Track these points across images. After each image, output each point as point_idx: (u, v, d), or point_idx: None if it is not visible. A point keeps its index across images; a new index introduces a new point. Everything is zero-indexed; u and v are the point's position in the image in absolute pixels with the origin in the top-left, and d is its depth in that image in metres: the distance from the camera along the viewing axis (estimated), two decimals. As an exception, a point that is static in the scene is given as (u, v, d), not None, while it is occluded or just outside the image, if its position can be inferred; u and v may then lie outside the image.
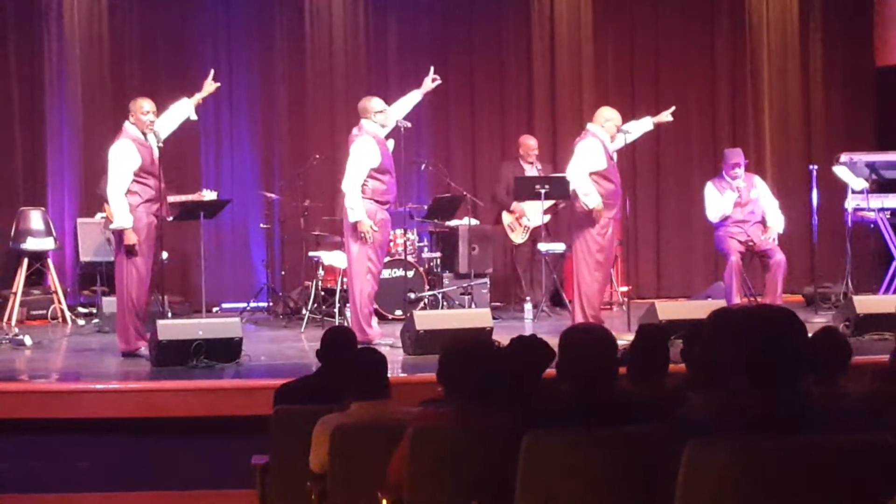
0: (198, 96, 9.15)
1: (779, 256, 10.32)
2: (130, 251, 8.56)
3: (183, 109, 9.07)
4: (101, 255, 10.96)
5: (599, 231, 9.47)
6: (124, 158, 8.60)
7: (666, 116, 10.08)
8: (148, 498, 7.32)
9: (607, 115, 9.68)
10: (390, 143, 9.54)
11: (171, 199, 10.18)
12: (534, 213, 11.24)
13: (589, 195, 9.44)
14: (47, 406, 7.61)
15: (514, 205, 11.60)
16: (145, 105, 8.73)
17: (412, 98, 9.84)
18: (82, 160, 11.84)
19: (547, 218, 11.58)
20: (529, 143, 11.98)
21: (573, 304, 9.80)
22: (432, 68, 9.86)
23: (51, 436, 7.45)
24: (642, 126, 10.12)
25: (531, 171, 11.75)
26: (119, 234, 8.61)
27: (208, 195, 10.67)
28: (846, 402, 3.99)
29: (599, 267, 9.50)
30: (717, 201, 10.49)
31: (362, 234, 9.11)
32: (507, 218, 11.82)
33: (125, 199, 8.56)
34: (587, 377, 3.83)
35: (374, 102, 9.46)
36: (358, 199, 9.17)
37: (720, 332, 3.79)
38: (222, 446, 7.26)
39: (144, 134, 8.70)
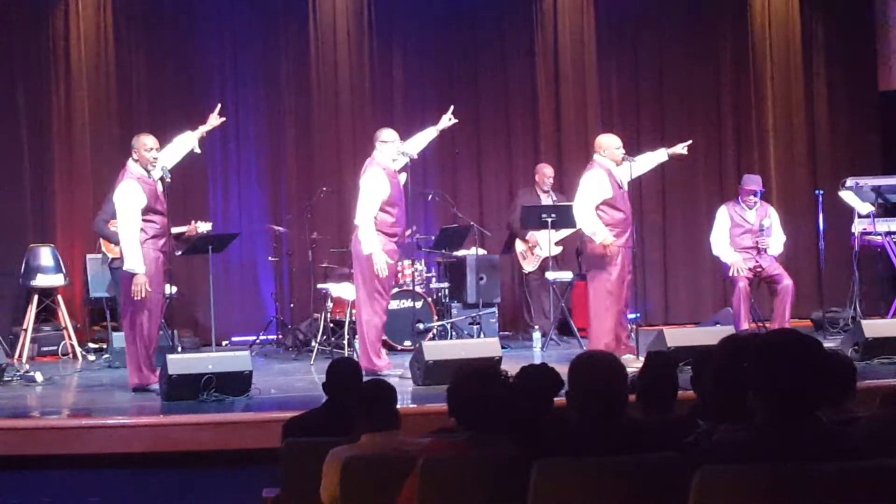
0: (202, 129, 9.17)
1: (786, 282, 10.33)
2: (140, 293, 8.59)
3: (187, 142, 9.11)
4: (111, 291, 10.98)
5: (609, 260, 9.47)
6: (130, 200, 8.63)
7: (681, 149, 10.06)
8: (160, 532, 7.33)
9: (605, 143, 9.71)
10: (403, 177, 9.56)
11: (177, 229, 10.23)
12: (546, 243, 11.24)
13: (596, 233, 9.44)
14: (58, 442, 7.63)
15: (530, 234, 11.63)
16: (148, 141, 8.77)
17: (427, 134, 9.87)
18: (91, 196, 11.86)
19: (559, 249, 11.60)
20: (545, 171, 12.01)
21: (588, 333, 9.79)
22: (452, 108, 9.88)
23: (62, 471, 7.46)
24: (657, 157, 10.12)
25: (546, 199, 11.78)
26: (130, 274, 8.63)
27: (202, 227, 10.68)
28: (855, 428, 3.98)
29: (610, 296, 9.49)
30: (724, 240, 10.47)
31: (376, 268, 9.13)
32: (520, 246, 11.84)
33: (137, 243, 8.59)
34: (597, 405, 3.82)
35: (384, 133, 9.49)
36: (372, 233, 9.20)
37: (730, 360, 3.81)
38: (233, 479, 7.26)
39: (148, 171, 8.74)
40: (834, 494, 3.19)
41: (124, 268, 8.67)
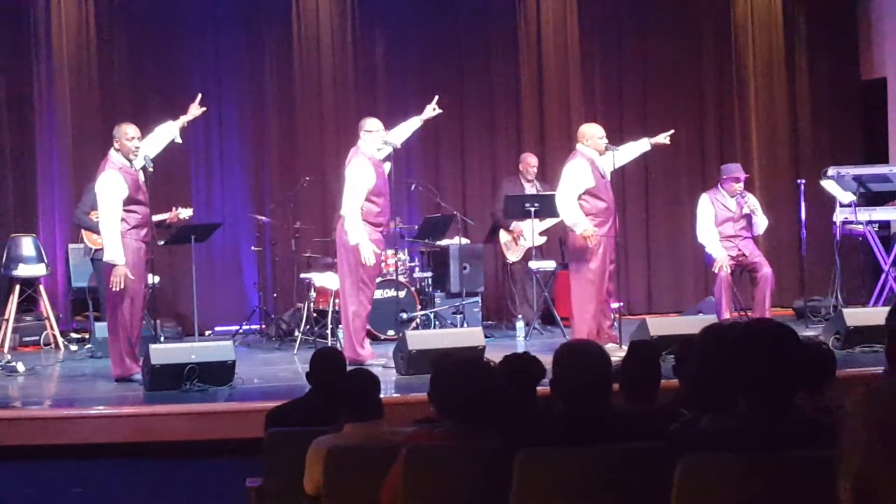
0: (183, 119, 9.14)
1: (765, 270, 10.33)
2: (119, 285, 8.57)
3: (168, 132, 9.07)
4: (92, 281, 10.95)
5: (591, 250, 9.48)
6: (112, 191, 8.60)
7: (664, 138, 10.08)
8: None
9: (588, 132, 9.71)
10: (387, 166, 9.55)
11: (158, 217, 10.19)
12: (530, 233, 11.24)
13: (577, 224, 9.45)
14: (40, 432, 7.62)
15: (514, 224, 11.62)
16: (129, 131, 8.74)
17: (412, 124, 9.85)
18: (73, 186, 11.81)
19: (543, 240, 11.61)
20: (530, 160, 12.01)
21: (571, 323, 9.81)
22: (437, 97, 9.86)
23: (44, 462, 7.45)
24: (640, 147, 10.13)
25: (530, 189, 11.78)
26: (111, 265, 8.61)
27: (184, 213, 10.66)
28: (838, 415, 3.99)
29: (591, 286, 9.51)
30: (712, 231, 10.43)
31: (363, 257, 9.13)
32: (504, 236, 11.83)
33: (118, 234, 8.56)
34: (581, 394, 3.82)
35: (369, 123, 9.49)
36: (359, 223, 9.18)
37: (712, 349, 3.82)
38: (216, 469, 7.25)
39: (130, 160, 8.71)
40: (815, 482, 3.20)
41: (104, 258, 8.65)
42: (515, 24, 13.23)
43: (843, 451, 2.86)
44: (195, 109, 9.20)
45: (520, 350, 8.66)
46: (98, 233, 9.25)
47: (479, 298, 11.73)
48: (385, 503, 4.04)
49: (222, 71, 12.61)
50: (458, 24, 13.14)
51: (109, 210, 8.60)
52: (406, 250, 11.67)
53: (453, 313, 11.41)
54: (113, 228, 8.57)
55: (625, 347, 8.29)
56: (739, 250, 10.45)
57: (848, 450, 2.84)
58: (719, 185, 10.62)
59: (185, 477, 7.34)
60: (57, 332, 11.15)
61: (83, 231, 10.49)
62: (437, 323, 11.33)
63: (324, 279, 10.77)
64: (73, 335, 11.35)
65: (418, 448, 3.96)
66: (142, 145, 8.78)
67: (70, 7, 12.13)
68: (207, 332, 11.67)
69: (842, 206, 11.48)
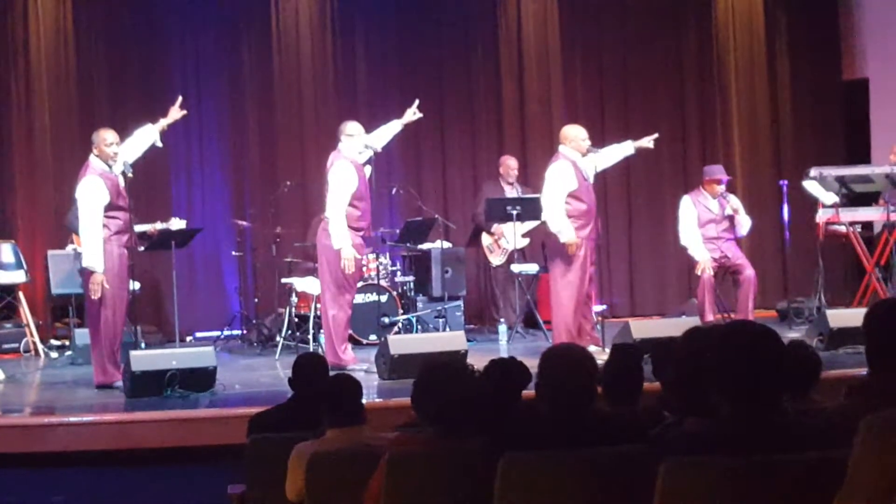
0: (163, 122, 9.08)
1: (749, 272, 10.34)
2: (96, 292, 8.52)
3: (148, 135, 9.01)
4: (73, 287, 10.88)
5: (571, 253, 9.47)
6: (93, 197, 8.56)
7: (648, 142, 10.08)
8: (124, 530, 7.27)
9: (570, 134, 9.70)
10: (368, 170, 9.52)
11: (141, 227, 10.13)
12: (512, 236, 11.21)
13: (562, 232, 9.43)
14: (21, 440, 7.57)
15: (495, 227, 11.59)
16: (108, 136, 8.70)
17: (392, 128, 9.84)
18: (52, 192, 11.76)
19: (525, 242, 11.59)
20: (510, 163, 11.99)
21: (552, 326, 9.79)
22: (417, 101, 9.85)
23: (24, 470, 7.39)
24: (623, 150, 10.12)
25: (511, 191, 11.76)
26: (89, 272, 8.56)
27: (176, 223, 10.61)
28: (821, 418, 3.98)
29: (571, 287, 9.49)
30: (694, 233, 10.42)
31: (343, 263, 9.09)
32: (486, 239, 11.80)
33: (99, 241, 8.51)
34: (567, 398, 3.81)
35: (349, 126, 9.45)
36: (342, 226, 9.15)
37: (694, 352, 3.80)
38: (198, 476, 7.21)
39: (109, 165, 8.67)
40: (798, 485, 3.19)
41: (83, 264, 8.60)
42: (496, 27, 13.23)
43: (853, 475, 2.89)
44: (175, 112, 9.15)
45: (502, 354, 8.65)
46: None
47: (461, 302, 11.70)
48: (367, 509, 4.02)
49: (201, 74, 12.58)
50: (439, 27, 13.13)
51: (91, 216, 8.56)
52: (387, 254, 11.64)
53: (435, 317, 11.39)
54: (94, 235, 8.53)
55: (607, 350, 8.28)
56: (722, 252, 10.45)
57: (858, 475, 2.87)
58: (701, 187, 10.63)
59: (166, 484, 7.30)
60: (37, 339, 11.09)
61: (74, 235, 10.43)
62: (419, 327, 11.30)
63: (305, 284, 10.73)
64: (54, 342, 11.29)
65: (401, 453, 3.95)
66: (121, 150, 8.73)
67: (48, 8, 12.07)
68: (188, 338, 11.64)
69: (825, 207, 11.48)
